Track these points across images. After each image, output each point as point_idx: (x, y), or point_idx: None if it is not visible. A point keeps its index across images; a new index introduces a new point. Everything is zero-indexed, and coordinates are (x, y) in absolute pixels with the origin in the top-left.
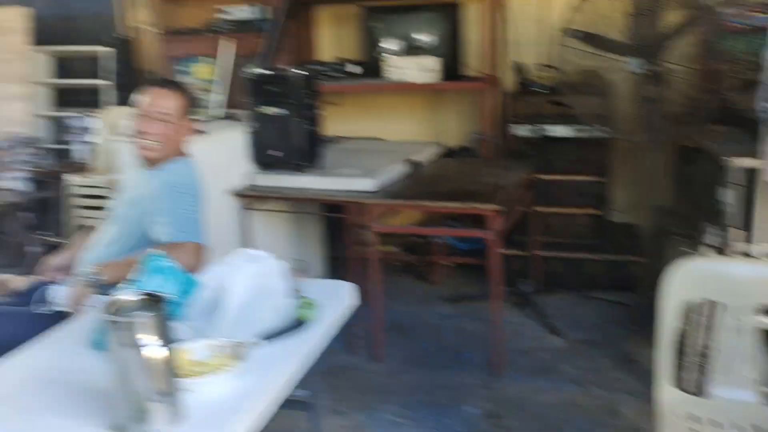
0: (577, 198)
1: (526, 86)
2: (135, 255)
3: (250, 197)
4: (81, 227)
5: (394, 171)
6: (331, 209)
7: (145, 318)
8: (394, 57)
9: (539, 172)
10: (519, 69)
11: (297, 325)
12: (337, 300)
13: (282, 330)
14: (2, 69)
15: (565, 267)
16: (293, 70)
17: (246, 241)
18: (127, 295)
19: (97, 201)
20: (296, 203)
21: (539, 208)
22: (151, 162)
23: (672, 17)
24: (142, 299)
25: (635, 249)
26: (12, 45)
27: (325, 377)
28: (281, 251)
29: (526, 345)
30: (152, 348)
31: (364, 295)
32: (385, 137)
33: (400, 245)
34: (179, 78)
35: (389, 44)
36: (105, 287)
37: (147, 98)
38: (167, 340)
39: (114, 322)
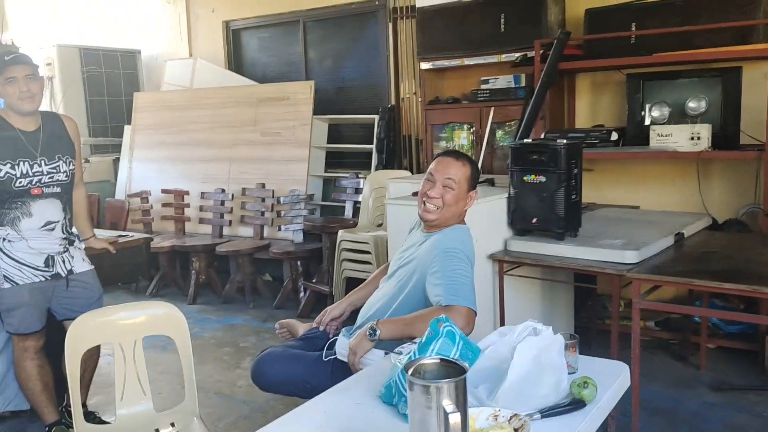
0: None
1: None
2: (412, 314)
3: (506, 262)
4: (350, 279)
5: (657, 243)
6: (582, 279)
7: (447, 383)
8: (658, 124)
9: None
10: None
11: (576, 404)
12: (613, 380)
13: (561, 407)
14: (290, 135)
15: None
16: (556, 139)
17: (500, 304)
18: (427, 358)
19: (362, 255)
20: (549, 271)
21: None
22: (431, 225)
23: None
24: (442, 364)
25: None
26: (299, 114)
27: None
28: (532, 318)
29: None
30: (450, 412)
31: None
32: (643, 206)
33: (656, 321)
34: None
35: (653, 111)
36: (382, 342)
37: (437, 165)
38: (463, 405)
39: (416, 384)
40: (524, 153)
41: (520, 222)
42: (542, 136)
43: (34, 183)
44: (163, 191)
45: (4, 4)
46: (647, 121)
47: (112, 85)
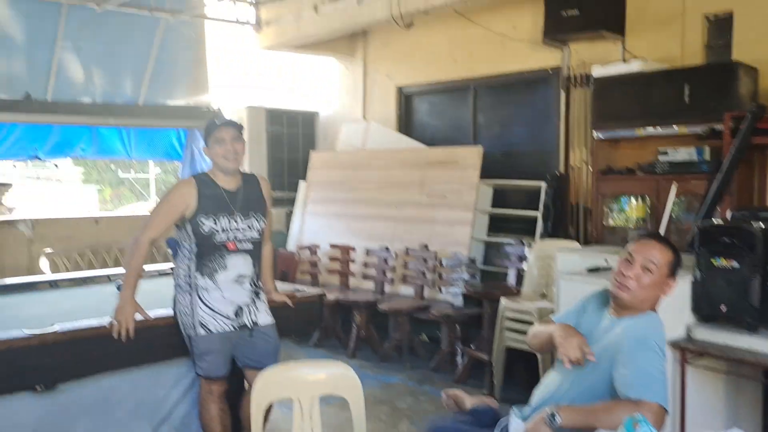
0: None
1: None
2: (597, 404)
3: (689, 351)
4: (510, 349)
5: None
6: None
7: None
8: None
9: None
10: None
11: None
12: None
13: None
14: (455, 198)
15: None
16: (747, 219)
17: (681, 397)
18: None
19: (526, 326)
20: (736, 365)
21: None
22: (623, 307)
23: None
24: None
25: None
26: (466, 178)
27: None
28: (714, 415)
29: None
30: None
31: None
32: None
33: None
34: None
35: None
36: (561, 430)
37: (638, 246)
38: None
39: None
40: (714, 234)
41: (706, 308)
42: (728, 214)
43: (230, 238)
44: (331, 246)
45: (207, 71)
46: None
47: (291, 143)
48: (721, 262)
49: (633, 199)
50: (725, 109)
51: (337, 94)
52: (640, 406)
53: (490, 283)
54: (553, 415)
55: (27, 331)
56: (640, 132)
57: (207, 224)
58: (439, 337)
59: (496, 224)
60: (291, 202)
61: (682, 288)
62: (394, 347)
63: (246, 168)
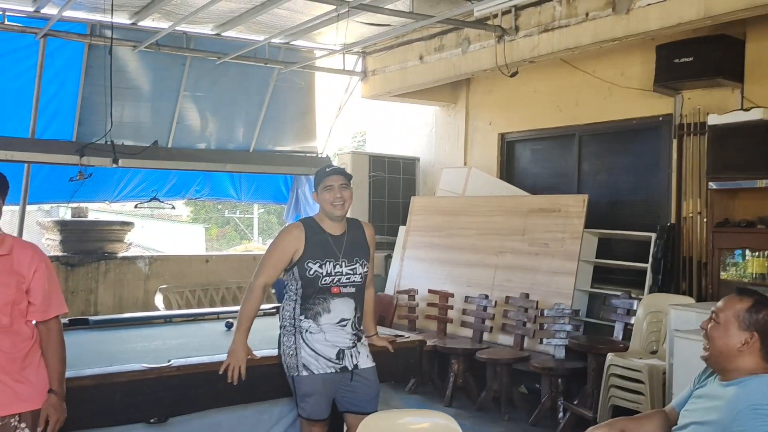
0: None
1: None
2: None
3: None
4: (616, 408)
5: None
6: None
7: None
8: None
9: None
10: None
11: None
12: None
13: None
14: (558, 246)
15: None
16: None
17: None
18: None
19: (634, 384)
20: None
21: None
22: (721, 372)
23: None
24: None
25: None
26: (570, 227)
27: None
28: None
29: None
30: None
31: None
32: None
33: None
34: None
35: None
36: None
37: (723, 302)
38: None
39: None
40: None
41: None
42: None
43: (335, 282)
44: (430, 291)
45: (315, 119)
46: None
47: (392, 188)
48: None
49: (754, 255)
50: None
51: (438, 141)
52: None
53: (595, 337)
54: None
55: (146, 366)
56: (761, 183)
57: (313, 268)
58: (539, 390)
59: (601, 276)
60: (390, 246)
61: None
62: (491, 397)
63: (349, 213)
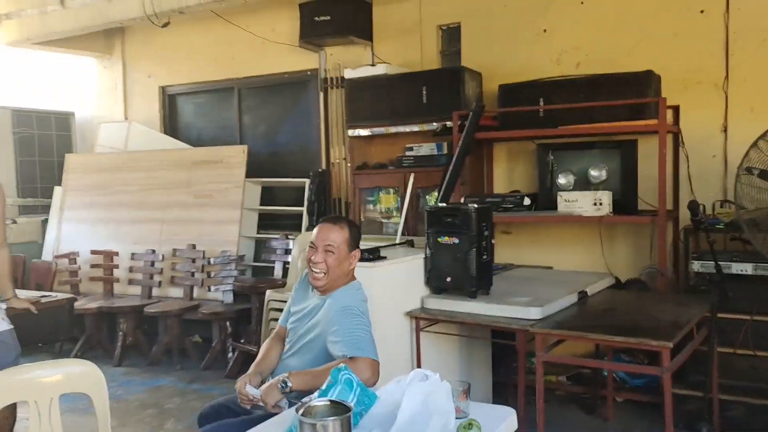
0: (762, 340)
1: (702, 221)
2: (321, 366)
3: (423, 319)
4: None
5: (562, 300)
6: (500, 335)
7: (330, 422)
8: (565, 190)
9: (718, 310)
10: (695, 204)
11: None
12: (499, 424)
13: None
14: (222, 197)
15: (748, 411)
16: (468, 203)
17: (417, 360)
18: (316, 400)
19: None
20: (466, 328)
21: (720, 349)
22: (321, 289)
23: None
24: (329, 405)
25: None
26: (232, 177)
27: None
28: (449, 372)
29: None
30: None
31: (529, 423)
32: (556, 266)
33: (568, 375)
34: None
35: (560, 178)
36: (293, 393)
37: (317, 232)
38: None
39: (305, 423)
40: (439, 216)
41: (435, 281)
42: (462, 200)
43: None
44: (93, 252)
45: None
46: (556, 188)
47: (43, 147)
48: (445, 239)
49: (386, 192)
50: (454, 108)
51: (95, 95)
52: (355, 362)
53: (259, 279)
54: (285, 382)
55: None
56: (389, 130)
57: None
58: (212, 337)
59: (269, 222)
60: (46, 209)
61: (417, 264)
62: (163, 351)
63: None
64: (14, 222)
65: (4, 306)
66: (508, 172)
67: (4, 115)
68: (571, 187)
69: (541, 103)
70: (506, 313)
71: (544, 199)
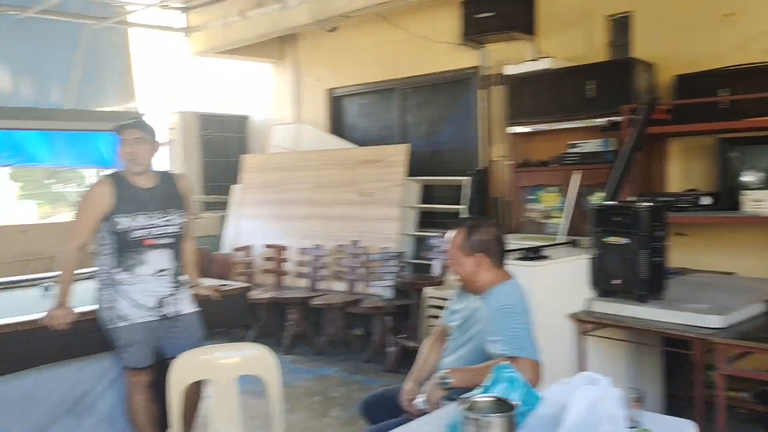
0: None
1: None
2: (482, 364)
3: (588, 323)
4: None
5: (746, 309)
6: (673, 344)
7: (496, 418)
8: (753, 189)
9: None
10: None
11: None
12: None
13: None
14: (383, 195)
15: None
16: (639, 201)
17: (581, 364)
18: (481, 396)
19: None
20: (635, 333)
21: None
22: (474, 290)
23: None
24: (493, 402)
25: None
26: (393, 175)
27: None
28: (615, 380)
29: None
30: None
31: None
32: (740, 273)
33: (751, 391)
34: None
35: (747, 176)
36: (454, 389)
37: (450, 234)
38: None
39: (470, 419)
40: (607, 215)
41: (602, 283)
42: (631, 199)
43: (147, 234)
44: (265, 246)
45: (133, 78)
46: (741, 186)
47: (223, 148)
48: (613, 239)
49: (548, 190)
50: (624, 102)
51: (268, 98)
52: (516, 362)
53: (419, 276)
54: (445, 378)
55: None
56: (551, 126)
57: (122, 222)
58: (373, 331)
59: (429, 220)
60: (225, 205)
61: (581, 265)
62: (328, 342)
63: (180, 172)
64: (200, 218)
65: (190, 292)
66: (683, 170)
67: (192, 118)
68: (760, 186)
69: (724, 94)
70: (680, 320)
71: (725, 198)
